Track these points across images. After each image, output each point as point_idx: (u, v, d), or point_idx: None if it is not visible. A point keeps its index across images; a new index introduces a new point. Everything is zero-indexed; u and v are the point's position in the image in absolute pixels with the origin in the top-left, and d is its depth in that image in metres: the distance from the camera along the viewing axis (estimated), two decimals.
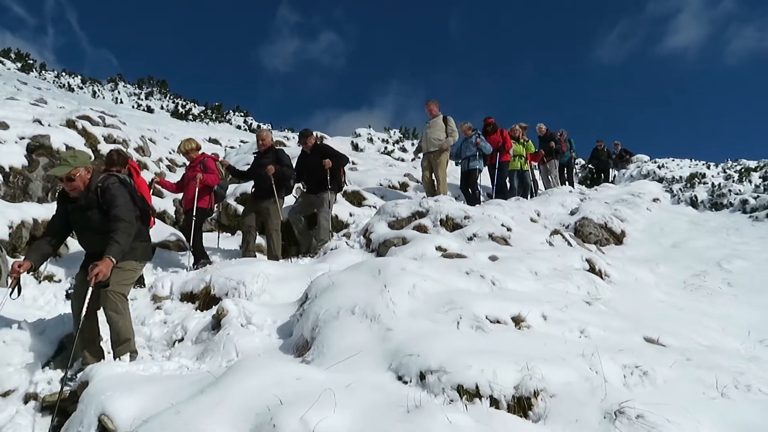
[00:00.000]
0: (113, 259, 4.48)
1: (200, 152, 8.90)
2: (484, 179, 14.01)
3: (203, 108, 29.91)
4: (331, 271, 5.59)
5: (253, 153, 9.85)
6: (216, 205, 9.10)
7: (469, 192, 12.25)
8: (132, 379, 3.53)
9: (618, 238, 9.93)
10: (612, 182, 20.46)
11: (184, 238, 8.77)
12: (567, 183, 17.06)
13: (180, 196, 9.48)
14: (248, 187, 10.04)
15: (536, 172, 16.99)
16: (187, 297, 6.35)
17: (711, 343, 4.66)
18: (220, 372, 3.30)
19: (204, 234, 8.76)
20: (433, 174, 11.79)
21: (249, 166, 9.71)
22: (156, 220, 8.94)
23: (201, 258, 8.20)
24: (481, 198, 12.29)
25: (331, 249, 8.46)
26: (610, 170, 21.40)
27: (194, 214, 8.34)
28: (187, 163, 9.09)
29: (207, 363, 4.33)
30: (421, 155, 12.25)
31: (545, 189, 15.88)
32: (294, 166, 9.39)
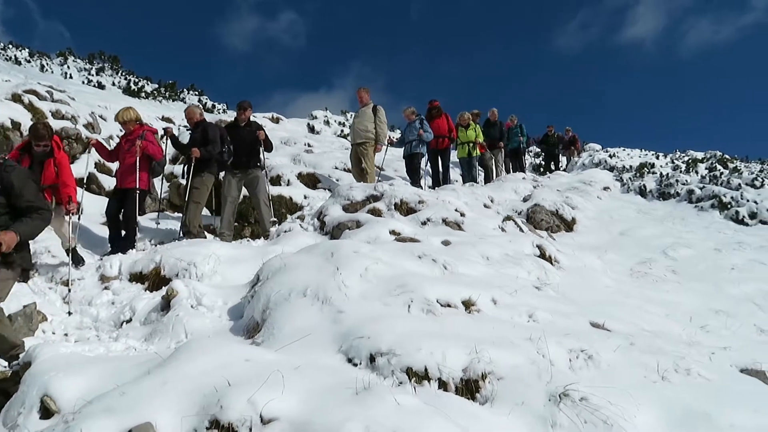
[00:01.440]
0: (19, 235, 4.02)
1: (140, 124, 8.30)
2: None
3: (156, 86, 29.20)
4: (284, 253, 5.56)
5: (188, 130, 9.55)
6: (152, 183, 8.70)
7: (412, 176, 12.14)
8: (77, 360, 3.45)
9: (569, 225, 10.12)
10: (564, 170, 20.78)
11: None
12: (519, 169, 17.20)
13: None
14: None
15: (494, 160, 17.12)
16: (137, 277, 6.24)
17: (655, 328, 4.78)
18: (168, 353, 3.25)
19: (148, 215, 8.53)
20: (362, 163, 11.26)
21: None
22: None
23: (131, 244, 7.61)
24: (423, 182, 12.23)
25: (285, 231, 8.41)
26: (560, 156, 21.69)
27: (137, 191, 7.75)
28: (123, 134, 8.41)
29: (155, 344, 4.27)
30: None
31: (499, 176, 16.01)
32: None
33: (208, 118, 12.95)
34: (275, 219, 9.06)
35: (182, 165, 8.99)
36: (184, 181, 8.90)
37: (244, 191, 9.24)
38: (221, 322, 4.58)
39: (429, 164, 13.14)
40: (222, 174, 9.12)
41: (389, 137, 12.10)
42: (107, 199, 8.54)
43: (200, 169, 8.46)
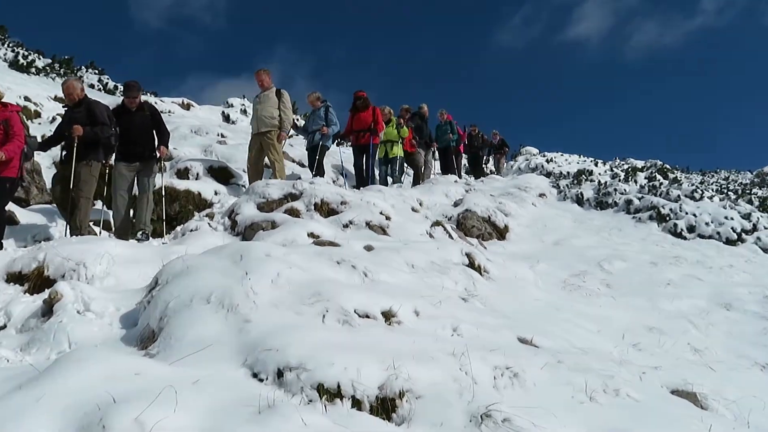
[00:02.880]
0: None
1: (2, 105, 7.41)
2: (349, 165, 14.10)
3: (50, 61, 28.06)
4: (188, 254, 5.43)
5: (63, 107, 8.97)
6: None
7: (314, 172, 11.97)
8: None
9: (501, 233, 10.32)
10: (496, 173, 21.17)
11: None
12: (450, 171, 17.33)
13: None
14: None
15: (435, 161, 17.22)
16: (15, 278, 5.95)
17: (585, 345, 4.91)
18: (46, 365, 3.12)
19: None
20: (266, 157, 10.92)
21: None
22: None
23: None
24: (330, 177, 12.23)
25: (191, 230, 8.26)
26: (484, 158, 22.01)
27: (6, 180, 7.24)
28: None
29: (32, 355, 4.08)
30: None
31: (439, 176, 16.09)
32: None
33: (108, 101, 12.56)
34: (143, 227, 8.54)
35: (61, 150, 8.38)
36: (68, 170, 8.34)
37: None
38: (112, 330, 4.42)
39: (354, 162, 13.17)
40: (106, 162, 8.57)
41: None
42: None
43: (85, 156, 7.97)
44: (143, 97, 9.17)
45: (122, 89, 8.95)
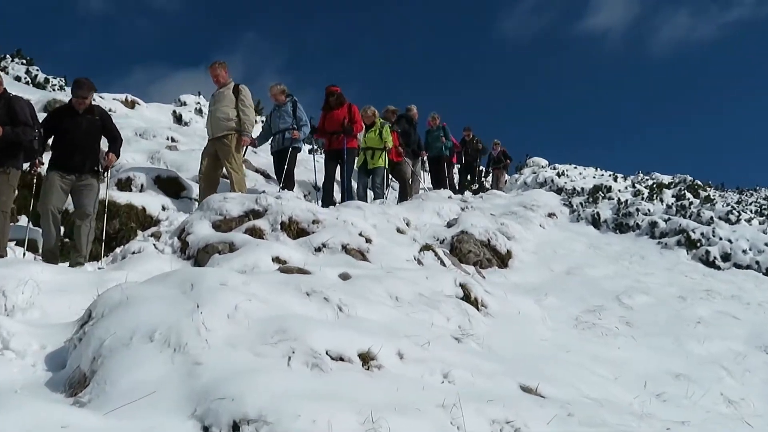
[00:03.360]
0: None
1: None
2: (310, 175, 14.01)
3: None
4: (128, 281, 5.41)
5: None
6: None
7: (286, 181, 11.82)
8: None
9: (502, 260, 10.36)
10: (496, 188, 21.24)
11: None
12: (443, 184, 17.31)
13: None
14: None
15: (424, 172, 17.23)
16: None
17: (600, 395, 4.93)
18: None
19: None
20: (223, 166, 10.77)
21: None
22: None
23: None
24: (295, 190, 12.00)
25: (133, 253, 8.22)
26: (482, 170, 22.04)
27: None
28: None
29: None
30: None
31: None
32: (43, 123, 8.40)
33: (37, 96, 12.50)
34: (82, 256, 8.45)
35: None
36: None
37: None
38: (35, 372, 4.39)
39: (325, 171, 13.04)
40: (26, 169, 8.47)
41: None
42: None
43: (2, 162, 7.81)
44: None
45: (71, 86, 8.68)
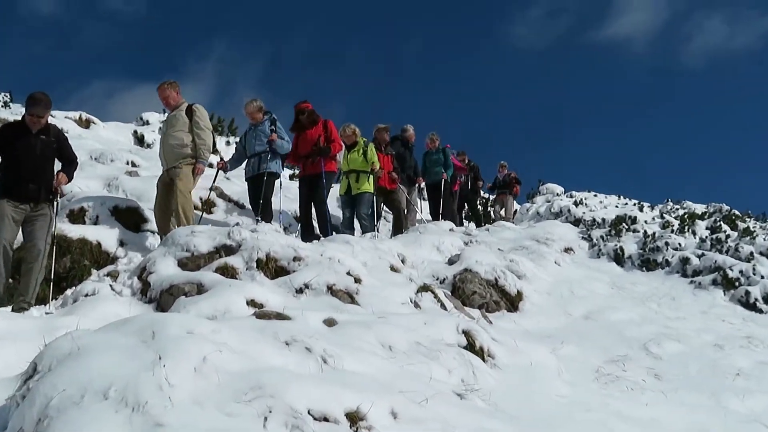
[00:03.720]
0: None
1: None
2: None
3: None
4: (80, 329, 5.38)
5: None
6: None
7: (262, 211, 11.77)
8: None
9: (512, 302, 10.36)
10: (505, 219, 21.28)
11: None
12: (442, 214, 17.29)
13: None
14: None
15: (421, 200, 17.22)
16: None
17: None
18: None
19: None
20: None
21: None
22: None
23: None
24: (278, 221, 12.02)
25: (86, 295, 8.19)
26: (480, 195, 22.05)
27: None
28: None
29: None
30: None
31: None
32: None
33: None
34: (28, 300, 8.36)
35: None
36: None
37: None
38: None
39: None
40: None
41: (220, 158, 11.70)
42: None
43: None
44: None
45: (26, 102, 8.56)
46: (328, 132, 12.72)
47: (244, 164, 12.69)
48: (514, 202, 23.82)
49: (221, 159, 12.87)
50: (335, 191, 15.15)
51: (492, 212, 22.92)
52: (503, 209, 22.87)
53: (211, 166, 12.95)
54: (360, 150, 13.46)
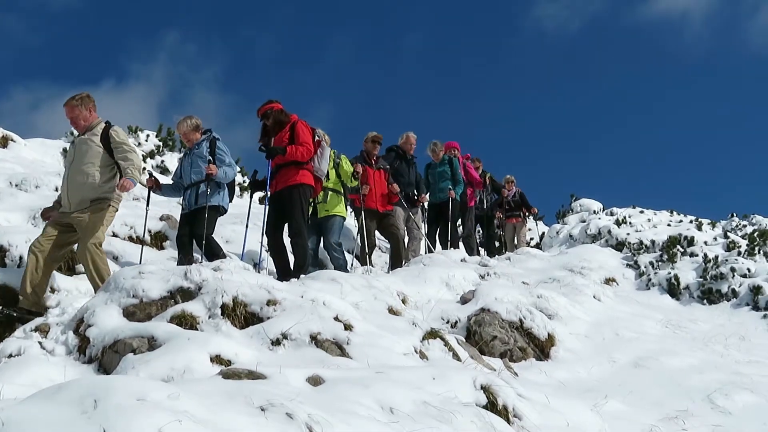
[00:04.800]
0: None
1: None
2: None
3: None
4: (3, 399, 5.39)
5: None
6: None
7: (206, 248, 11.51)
8: None
9: (542, 348, 10.35)
10: (513, 247, 21.22)
11: None
12: (450, 242, 17.25)
13: None
14: None
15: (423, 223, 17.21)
16: None
17: None
18: None
19: None
20: (76, 244, 10.21)
21: None
22: None
23: None
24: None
25: (10, 356, 8.17)
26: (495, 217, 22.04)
27: None
28: None
29: None
30: None
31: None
32: None
33: None
34: None
35: None
36: None
37: None
38: None
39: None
40: None
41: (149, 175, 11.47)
42: None
43: None
44: None
45: None
46: (295, 132, 12.04)
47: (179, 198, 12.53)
48: (525, 226, 23.48)
49: (150, 175, 12.38)
50: None
51: (501, 241, 22.69)
52: (515, 237, 22.43)
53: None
54: (331, 162, 13.25)
